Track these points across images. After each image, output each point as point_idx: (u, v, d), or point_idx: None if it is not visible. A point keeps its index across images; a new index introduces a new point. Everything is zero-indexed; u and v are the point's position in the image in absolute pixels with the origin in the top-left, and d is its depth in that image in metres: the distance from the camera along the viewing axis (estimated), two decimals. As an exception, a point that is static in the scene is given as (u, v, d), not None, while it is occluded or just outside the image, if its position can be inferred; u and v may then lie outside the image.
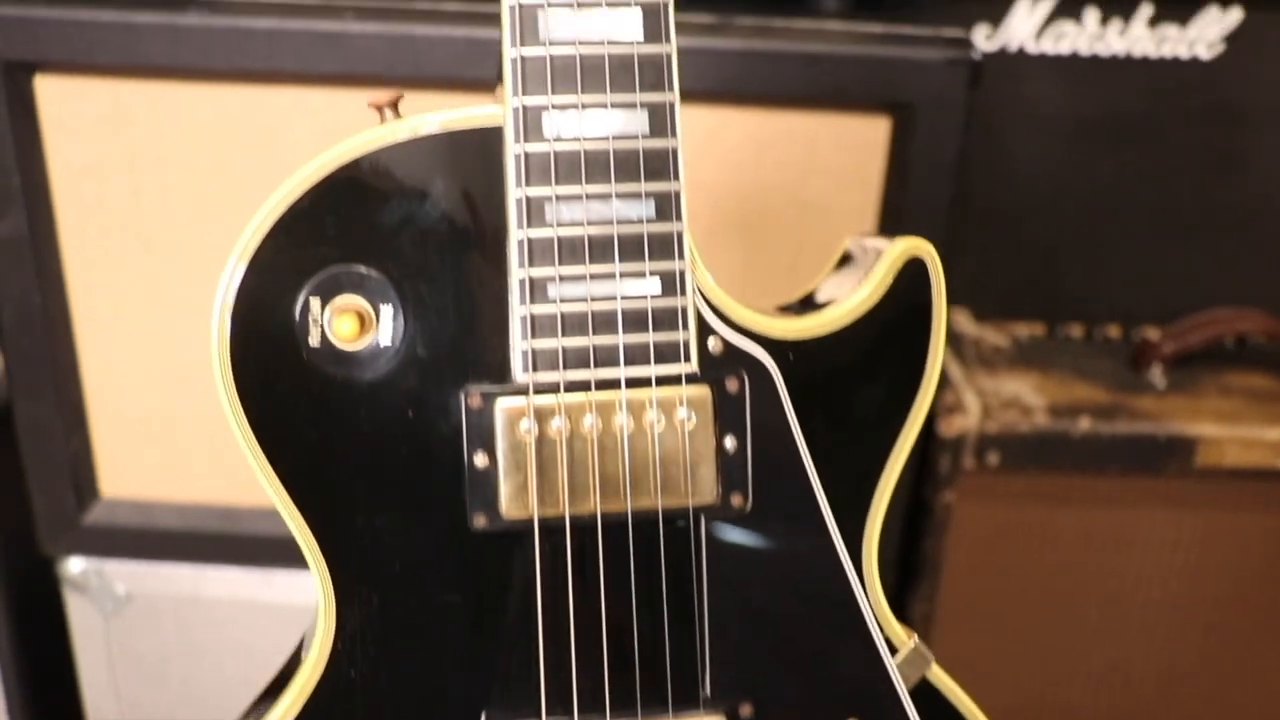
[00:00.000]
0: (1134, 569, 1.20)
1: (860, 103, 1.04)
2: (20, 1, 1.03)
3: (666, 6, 0.61)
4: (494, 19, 0.85)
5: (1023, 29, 1.36)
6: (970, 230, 1.36)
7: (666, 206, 0.61)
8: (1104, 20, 1.35)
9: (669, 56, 0.61)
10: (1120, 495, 1.18)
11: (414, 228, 0.61)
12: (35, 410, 1.15)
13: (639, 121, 0.61)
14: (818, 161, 1.06)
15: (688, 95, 1.04)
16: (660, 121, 0.61)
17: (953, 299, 1.37)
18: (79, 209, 1.09)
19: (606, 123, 0.60)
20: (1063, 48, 1.36)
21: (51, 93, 1.05)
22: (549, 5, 0.59)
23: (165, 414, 1.16)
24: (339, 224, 0.62)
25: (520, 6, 0.58)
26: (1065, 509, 1.18)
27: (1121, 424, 1.16)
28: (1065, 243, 1.41)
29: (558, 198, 0.60)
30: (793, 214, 1.08)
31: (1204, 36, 1.35)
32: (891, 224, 1.07)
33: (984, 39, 1.36)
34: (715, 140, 1.05)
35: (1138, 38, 1.36)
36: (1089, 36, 1.36)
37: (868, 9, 1.08)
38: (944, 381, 1.23)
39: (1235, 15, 1.34)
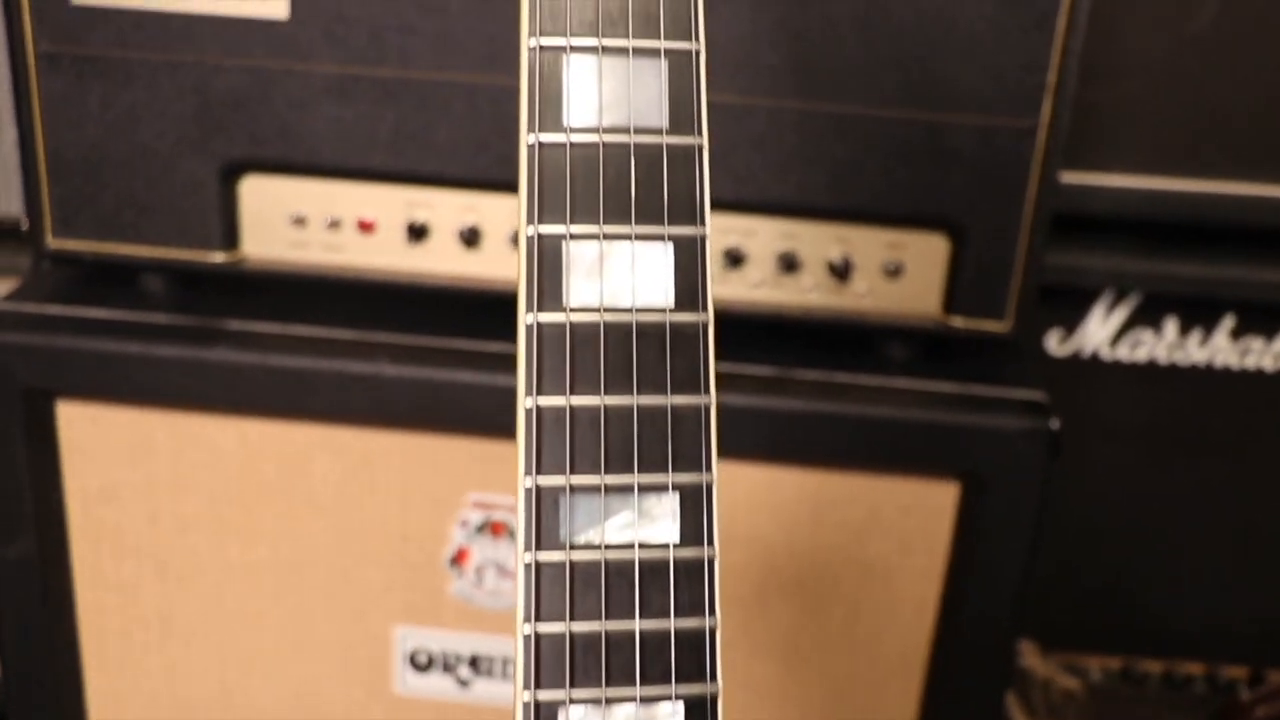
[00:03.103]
0: None
1: (928, 469, 0.97)
2: (43, 329, 0.99)
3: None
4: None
5: (1097, 335, 1.29)
6: (1038, 548, 1.28)
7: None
8: (1184, 330, 1.28)
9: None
10: None
11: None
12: (34, 731, 1.09)
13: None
14: (880, 524, 0.98)
15: (742, 454, 0.98)
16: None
17: (1020, 628, 1.29)
18: (93, 533, 1.03)
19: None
20: (1139, 356, 1.29)
21: (73, 418, 1.00)
22: (570, 701, 0.51)
23: (170, 742, 1.09)
24: None
25: (536, 702, 0.51)
26: None
27: (1208, 805, 1.06)
28: (1140, 563, 1.32)
29: None
30: (851, 575, 1.00)
31: (1291, 349, 1.28)
32: (958, 591, 0.99)
33: (1057, 344, 1.29)
34: (770, 496, 0.98)
35: (1220, 349, 1.28)
36: (1168, 345, 1.28)
37: (938, 357, 1.01)
38: (1010, 740, 1.14)
39: (1324, 330, 1.27)
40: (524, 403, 0.52)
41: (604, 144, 0.52)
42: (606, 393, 0.51)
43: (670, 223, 0.52)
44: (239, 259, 1.00)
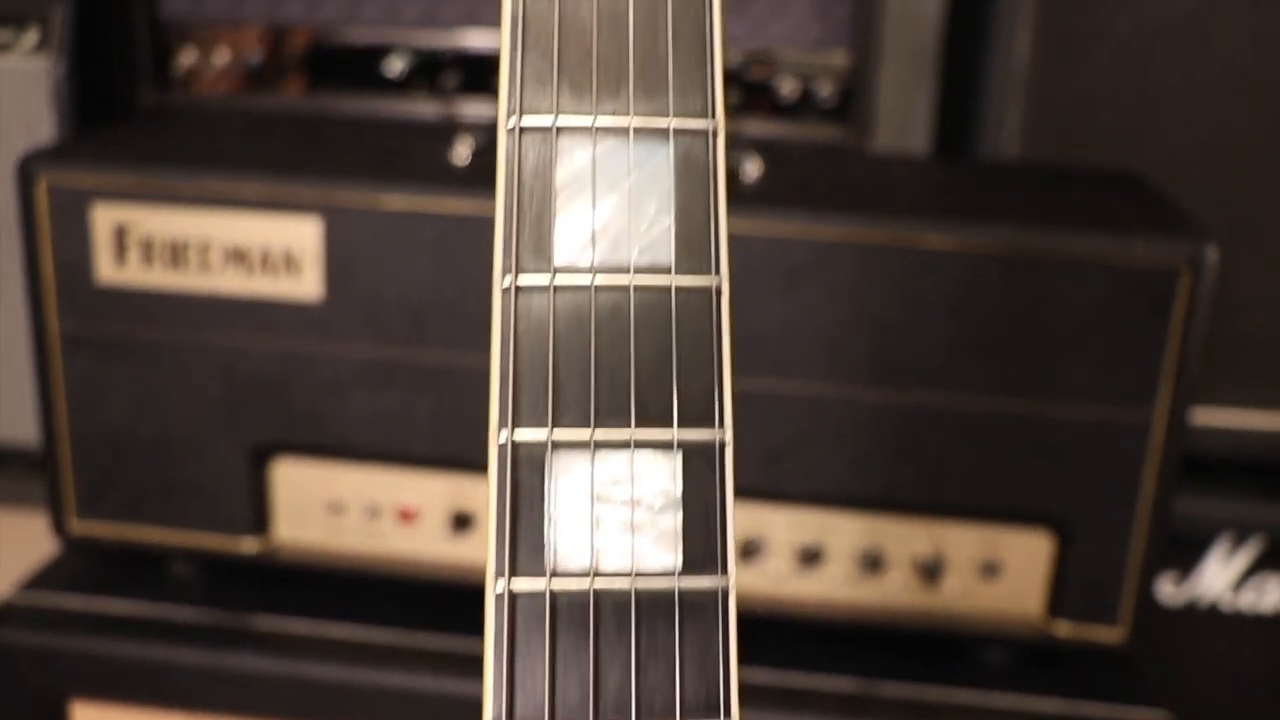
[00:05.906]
0: None
1: (1034, 804, 0.85)
2: (58, 628, 0.91)
3: None
4: None
5: (1217, 581, 1.16)
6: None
7: None
8: (1317, 577, 1.15)
9: None
10: None
11: None
12: None
13: None
14: None
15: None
16: None
17: None
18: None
19: None
20: (1265, 605, 1.16)
21: (89, 720, 0.93)
22: None
23: None
24: None
25: None
26: None
27: None
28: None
29: None
30: None
31: None
32: None
33: (1170, 588, 1.17)
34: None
35: (1358, 598, 1.15)
36: (1298, 594, 1.16)
37: (1042, 665, 0.90)
38: None
39: None
40: None
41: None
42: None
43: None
44: (271, 546, 0.93)
